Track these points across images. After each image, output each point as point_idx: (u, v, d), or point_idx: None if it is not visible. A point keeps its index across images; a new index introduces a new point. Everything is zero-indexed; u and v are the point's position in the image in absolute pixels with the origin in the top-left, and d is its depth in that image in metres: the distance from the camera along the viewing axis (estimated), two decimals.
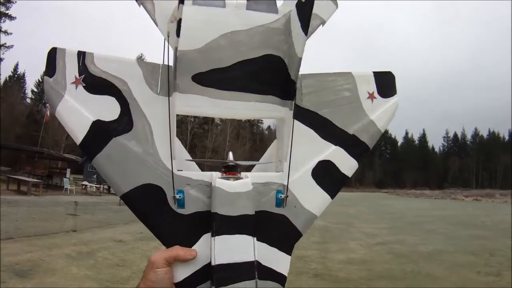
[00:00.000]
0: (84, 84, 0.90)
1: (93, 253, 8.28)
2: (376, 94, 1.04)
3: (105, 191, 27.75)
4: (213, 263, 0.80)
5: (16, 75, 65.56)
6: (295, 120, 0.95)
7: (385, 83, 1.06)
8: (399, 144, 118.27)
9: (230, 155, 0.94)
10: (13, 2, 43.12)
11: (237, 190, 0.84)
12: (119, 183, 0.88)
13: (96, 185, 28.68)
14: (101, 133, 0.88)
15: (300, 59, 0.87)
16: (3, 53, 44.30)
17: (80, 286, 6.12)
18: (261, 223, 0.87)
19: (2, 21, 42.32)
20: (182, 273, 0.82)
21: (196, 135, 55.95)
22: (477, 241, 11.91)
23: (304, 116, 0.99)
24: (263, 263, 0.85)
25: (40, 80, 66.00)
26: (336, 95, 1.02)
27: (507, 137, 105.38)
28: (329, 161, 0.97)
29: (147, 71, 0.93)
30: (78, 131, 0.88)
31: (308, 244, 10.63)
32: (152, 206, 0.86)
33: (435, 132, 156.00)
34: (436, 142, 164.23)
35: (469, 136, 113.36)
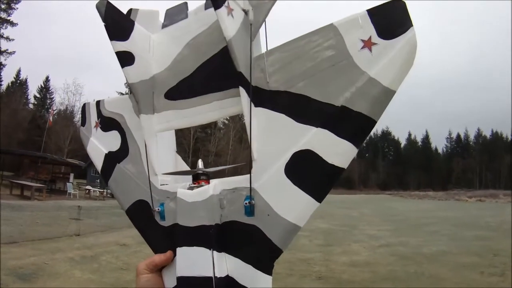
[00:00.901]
0: (100, 125, 1.12)
1: (96, 257, 8.32)
2: (375, 38, 0.72)
3: (108, 195, 27.77)
4: (177, 275, 0.79)
5: (18, 81, 65.82)
6: (264, 108, 0.80)
7: (390, 18, 0.72)
8: (402, 145, 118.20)
9: (199, 163, 0.88)
10: (14, 9, 43.48)
11: (194, 199, 0.80)
12: (122, 201, 1.01)
13: (100, 190, 28.76)
14: (110, 161, 1.06)
15: (230, 40, 0.77)
16: (5, 59, 44.66)
17: None
18: (232, 235, 0.78)
19: (4, 27, 42.64)
20: (169, 282, 0.83)
21: (199, 139, 55.71)
22: (481, 242, 11.85)
23: (274, 100, 0.80)
24: (239, 282, 0.76)
25: (42, 85, 66.40)
26: (313, 61, 0.77)
27: (510, 137, 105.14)
28: (308, 150, 0.74)
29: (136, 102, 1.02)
30: (98, 163, 1.08)
31: (312, 247, 10.60)
32: (143, 220, 0.94)
33: (438, 133, 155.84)
34: (439, 143, 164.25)
35: (472, 137, 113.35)
